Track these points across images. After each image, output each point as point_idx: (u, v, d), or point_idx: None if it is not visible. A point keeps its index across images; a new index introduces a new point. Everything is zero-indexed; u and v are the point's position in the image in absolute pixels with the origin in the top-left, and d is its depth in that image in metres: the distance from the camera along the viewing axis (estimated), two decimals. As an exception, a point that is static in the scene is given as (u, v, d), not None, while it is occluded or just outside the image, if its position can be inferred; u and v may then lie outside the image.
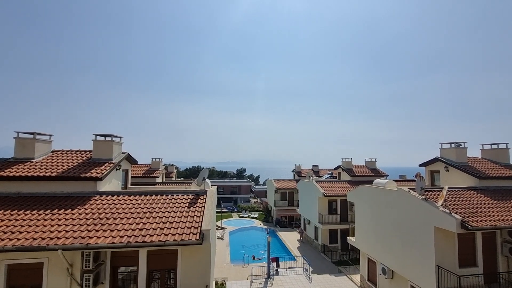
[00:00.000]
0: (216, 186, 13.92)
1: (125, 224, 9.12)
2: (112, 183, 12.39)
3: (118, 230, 8.76)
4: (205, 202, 10.77)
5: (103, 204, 10.23)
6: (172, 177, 37.83)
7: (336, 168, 34.89)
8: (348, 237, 20.15)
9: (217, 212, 30.21)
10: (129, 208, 10.10)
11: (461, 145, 16.15)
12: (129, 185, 14.95)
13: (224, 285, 18.50)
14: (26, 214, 9.22)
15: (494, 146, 17.04)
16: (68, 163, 11.78)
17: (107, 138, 12.66)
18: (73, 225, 8.87)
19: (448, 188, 13.38)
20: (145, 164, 30.56)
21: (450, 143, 16.37)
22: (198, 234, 8.69)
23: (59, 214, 9.39)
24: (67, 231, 8.54)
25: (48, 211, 9.51)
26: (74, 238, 8.24)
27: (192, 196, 11.28)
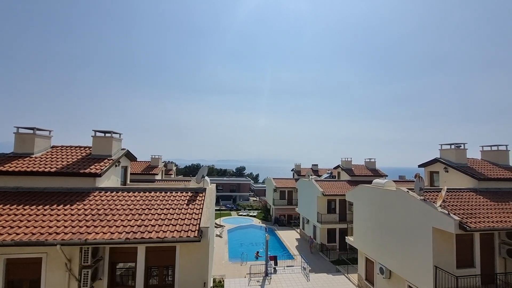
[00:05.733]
0: (215, 184, 13.93)
1: (123, 221, 9.13)
2: (111, 179, 12.40)
3: (117, 226, 8.78)
4: (204, 200, 10.79)
5: (102, 200, 10.24)
6: (172, 174, 37.86)
7: (335, 168, 34.92)
8: (346, 237, 20.18)
9: (216, 210, 30.26)
10: (128, 205, 10.11)
11: (461, 146, 16.14)
12: (128, 182, 14.96)
13: (222, 282, 18.56)
14: (25, 209, 9.23)
15: (494, 148, 17.03)
16: (68, 159, 11.78)
17: (107, 135, 12.66)
18: (72, 221, 8.88)
19: (447, 189, 13.39)
20: (145, 161, 30.60)
21: (450, 144, 16.36)
22: (196, 231, 8.70)
23: (58, 210, 9.40)
24: (66, 227, 8.55)
25: (47, 206, 9.52)
26: (73, 233, 8.26)
27: (191, 194, 11.29)
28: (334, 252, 25.97)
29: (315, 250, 27.05)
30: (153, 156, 30.43)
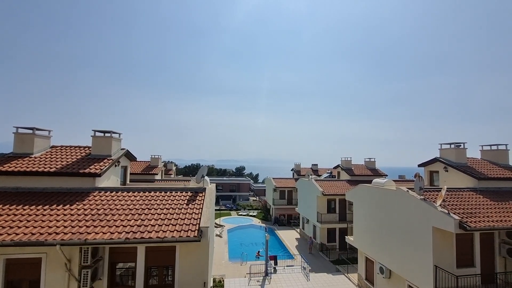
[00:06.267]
0: (215, 184, 13.92)
1: (123, 220, 9.11)
2: (111, 179, 12.38)
3: (117, 226, 8.76)
4: (203, 200, 10.77)
5: (102, 200, 10.23)
6: (171, 174, 37.83)
7: (335, 167, 34.91)
8: (346, 236, 20.19)
9: (216, 210, 30.25)
10: (128, 205, 10.10)
11: (460, 145, 16.14)
12: (128, 182, 14.95)
13: (222, 282, 18.55)
14: (24, 209, 9.22)
15: (494, 147, 17.04)
16: (67, 158, 11.76)
17: (106, 134, 12.64)
18: (72, 221, 8.87)
19: (447, 188, 13.39)
20: (144, 161, 30.59)
21: (450, 144, 16.36)
22: (196, 231, 8.69)
23: (58, 210, 9.38)
24: (65, 227, 8.54)
25: (47, 206, 9.51)
26: (73, 233, 8.24)
27: (191, 193, 11.28)
28: (334, 252, 25.97)
29: (315, 250, 27.05)
30: (153, 156, 30.42)
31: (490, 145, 17.17)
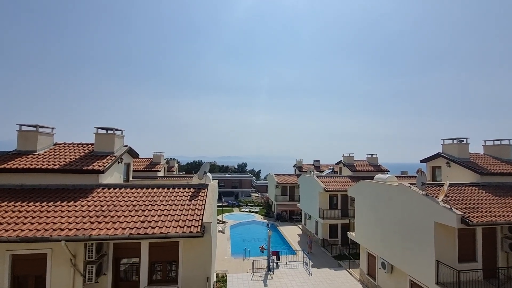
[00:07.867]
0: (217, 180, 13.98)
1: (127, 216, 9.21)
2: (114, 176, 12.47)
3: (120, 222, 8.85)
4: (206, 196, 10.84)
5: (105, 197, 10.32)
6: (174, 171, 37.99)
7: (337, 164, 34.89)
8: (348, 232, 20.25)
9: (218, 206, 30.37)
10: (131, 201, 10.18)
11: (463, 141, 16.06)
12: (130, 179, 15.04)
13: (225, 277, 18.72)
14: (29, 206, 9.32)
15: (497, 142, 16.93)
16: (71, 156, 11.84)
17: (109, 131, 12.70)
18: (76, 217, 8.97)
19: (449, 183, 13.36)
20: (147, 158, 30.72)
21: (452, 139, 16.28)
22: (199, 227, 8.77)
23: (62, 206, 9.49)
24: (70, 223, 8.64)
25: (51, 203, 9.61)
26: (77, 229, 8.34)
27: (194, 190, 11.35)
28: (336, 247, 26.07)
29: (317, 246, 27.16)
30: (155, 153, 30.55)
31: (493, 140, 17.07)
